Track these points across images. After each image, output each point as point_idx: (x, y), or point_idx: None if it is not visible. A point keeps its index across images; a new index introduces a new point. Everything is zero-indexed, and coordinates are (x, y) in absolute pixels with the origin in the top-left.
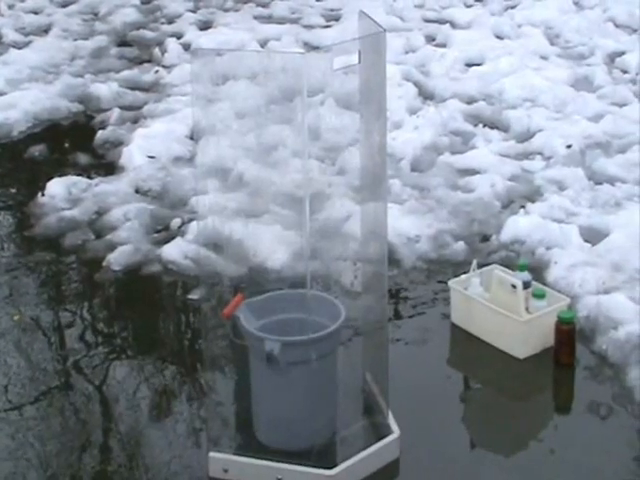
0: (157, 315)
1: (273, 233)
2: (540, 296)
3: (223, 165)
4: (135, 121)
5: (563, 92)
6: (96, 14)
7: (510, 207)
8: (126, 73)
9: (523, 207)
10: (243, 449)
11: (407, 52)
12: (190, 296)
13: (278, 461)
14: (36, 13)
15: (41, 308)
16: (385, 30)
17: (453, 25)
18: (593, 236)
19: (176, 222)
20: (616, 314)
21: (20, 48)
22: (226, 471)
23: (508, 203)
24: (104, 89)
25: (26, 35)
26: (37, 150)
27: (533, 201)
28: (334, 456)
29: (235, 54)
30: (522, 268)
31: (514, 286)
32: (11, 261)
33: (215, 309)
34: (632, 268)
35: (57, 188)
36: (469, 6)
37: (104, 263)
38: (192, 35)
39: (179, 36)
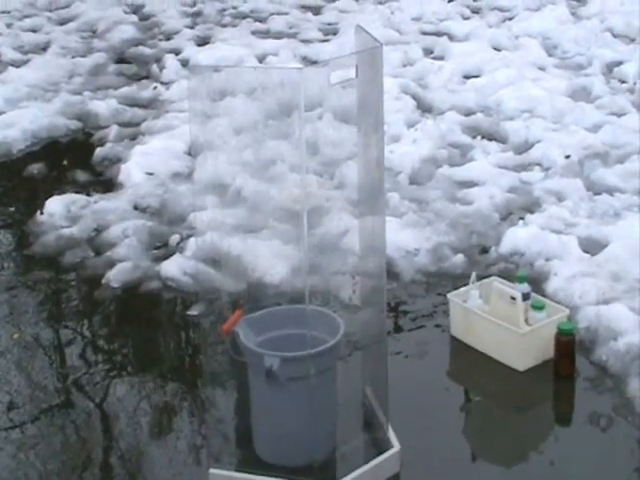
0: (157, 332)
1: (271, 248)
2: (539, 308)
3: (221, 181)
4: (133, 138)
5: (561, 103)
6: (94, 31)
7: (509, 219)
8: (124, 90)
9: (522, 218)
10: (243, 465)
11: (405, 65)
12: (189, 312)
13: (278, 477)
14: (34, 31)
15: (41, 326)
16: (382, 44)
17: (450, 37)
18: (592, 247)
19: (175, 238)
20: (616, 325)
21: (18, 66)
22: None
23: (507, 215)
24: (102, 106)
25: (25, 53)
26: (36, 168)
27: (532, 212)
28: (334, 471)
29: (232, 70)
30: (521, 280)
31: (513, 298)
32: (10, 279)
33: (214, 325)
34: (632, 278)
35: (56, 206)
36: (466, 18)
37: (103, 280)
38: (190, 51)
39: (177, 52)
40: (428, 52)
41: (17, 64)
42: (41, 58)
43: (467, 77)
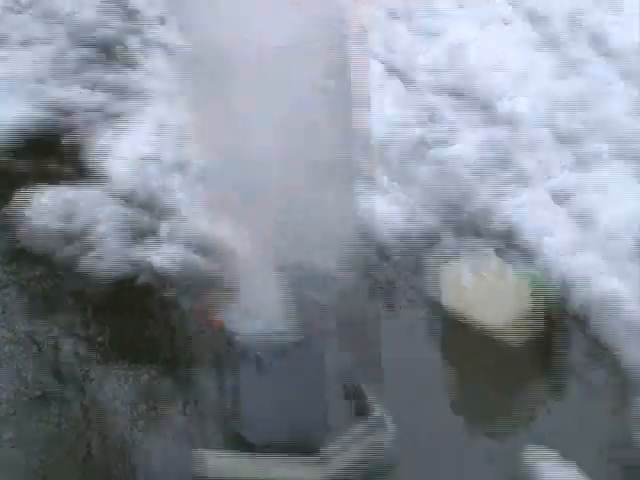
0: (147, 321)
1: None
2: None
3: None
4: (103, 123)
5: (527, 55)
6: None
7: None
8: (89, 74)
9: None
10: (229, 447)
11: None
12: (179, 300)
13: (265, 458)
14: None
15: (32, 323)
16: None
17: None
18: (562, 197)
19: (163, 227)
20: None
21: None
22: (212, 469)
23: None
24: (69, 93)
25: None
26: (12, 164)
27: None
28: (324, 451)
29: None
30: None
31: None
32: None
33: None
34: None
35: (38, 201)
36: None
37: (92, 274)
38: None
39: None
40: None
41: None
42: (3, 51)
43: (432, 35)
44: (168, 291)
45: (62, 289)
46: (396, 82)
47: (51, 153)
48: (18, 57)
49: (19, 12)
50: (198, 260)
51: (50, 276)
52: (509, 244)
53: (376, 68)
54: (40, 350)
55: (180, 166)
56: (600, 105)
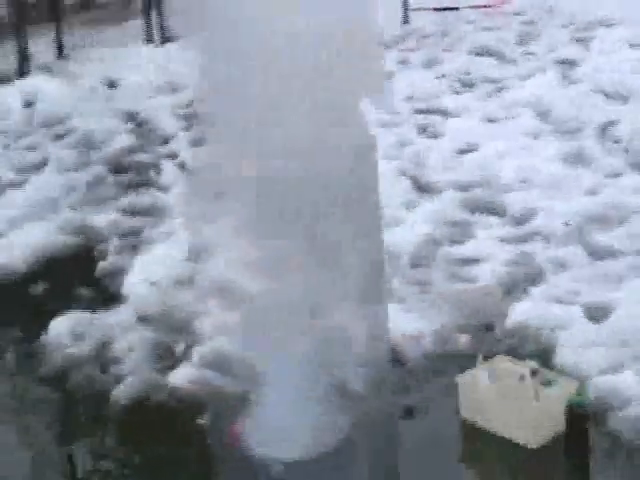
0: (167, 443)
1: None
2: (549, 382)
3: (224, 283)
4: (134, 248)
5: (557, 169)
6: (90, 144)
7: (513, 293)
8: (123, 200)
9: (525, 291)
10: None
11: (400, 146)
12: (199, 420)
13: None
14: (31, 150)
15: (51, 446)
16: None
17: (444, 114)
18: (598, 314)
19: (180, 347)
20: (627, 393)
21: (17, 187)
22: None
23: (510, 289)
24: (101, 219)
25: (22, 173)
26: (38, 288)
27: (535, 284)
28: None
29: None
30: (529, 356)
31: (522, 376)
32: (18, 401)
33: (223, 432)
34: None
35: (60, 325)
36: (458, 93)
37: (111, 397)
38: (187, 154)
39: (174, 156)
40: (422, 130)
41: (15, 185)
42: (39, 177)
43: (463, 152)
44: (196, 414)
45: (89, 410)
46: (425, 197)
47: (83, 279)
48: (54, 183)
49: (56, 139)
50: (226, 382)
51: (76, 398)
52: (545, 363)
53: (406, 183)
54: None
55: (212, 290)
56: (635, 220)
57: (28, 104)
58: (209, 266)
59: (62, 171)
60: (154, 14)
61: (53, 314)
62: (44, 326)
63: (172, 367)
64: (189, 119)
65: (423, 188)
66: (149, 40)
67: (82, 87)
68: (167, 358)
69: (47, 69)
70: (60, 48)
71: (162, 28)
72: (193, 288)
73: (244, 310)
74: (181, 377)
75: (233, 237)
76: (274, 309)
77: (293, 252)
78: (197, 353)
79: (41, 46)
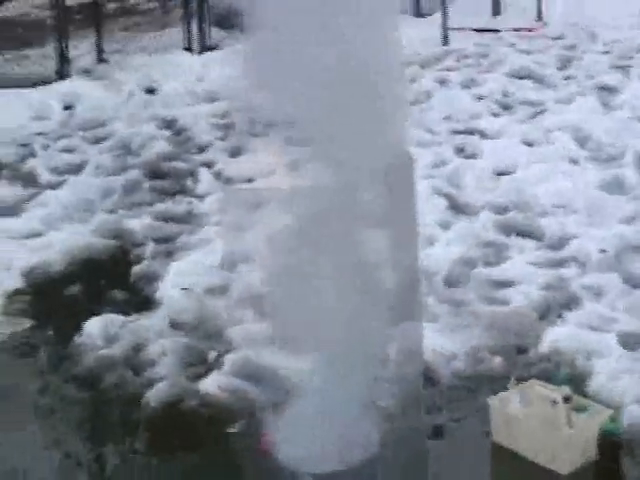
0: (197, 449)
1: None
2: (582, 409)
3: (258, 292)
4: (169, 254)
5: (595, 196)
6: (128, 148)
7: (547, 317)
8: (159, 206)
9: (560, 316)
10: None
11: (437, 166)
12: (229, 429)
13: None
14: (69, 152)
15: (82, 447)
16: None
17: (482, 135)
18: (633, 342)
19: (212, 355)
20: None
21: (54, 188)
22: None
23: (545, 313)
24: (137, 224)
25: (60, 174)
26: (74, 289)
27: (570, 309)
28: None
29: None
30: (562, 381)
31: (554, 401)
32: (51, 401)
33: (254, 442)
34: None
35: (94, 327)
36: (496, 115)
37: (142, 400)
38: (223, 163)
39: (210, 165)
40: (459, 151)
41: (53, 185)
42: (76, 178)
43: (500, 174)
44: (227, 423)
45: (118, 414)
46: (461, 219)
47: (118, 282)
48: (91, 185)
49: (94, 142)
50: (258, 392)
51: (106, 401)
52: (578, 389)
53: (441, 203)
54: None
55: (245, 299)
56: None
57: (67, 107)
58: (243, 275)
59: (99, 174)
60: (194, 22)
61: (87, 315)
62: (78, 327)
63: (204, 374)
64: (226, 129)
65: (459, 208)
66: (188, 48)
67: (121, 92)
68: (199, 365)
69: (87, 73)
70: (100, 52)
71: (202, 37)
72: (227, 296)
73: (277, 321)
74: (212, 384)
75: (267, 247)
76: (307, 323)
77: (327, 267)
78: (229, 361)
79: (82, 50)
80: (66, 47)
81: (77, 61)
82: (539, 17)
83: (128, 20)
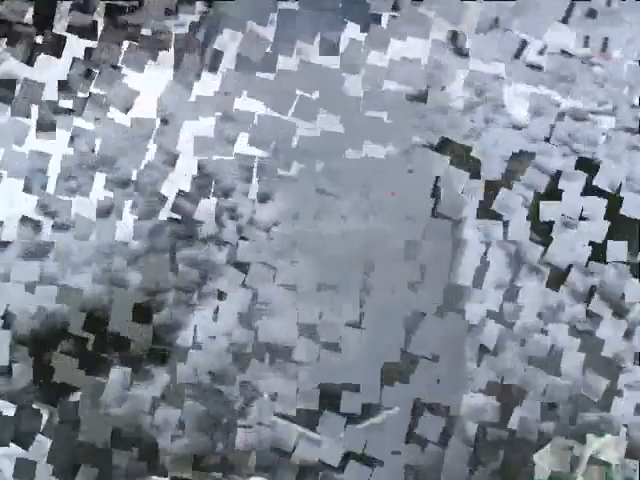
0: None
1: None
2: None
3: (280, 347)
4: (189, 304)
5: None
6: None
7: None
8: (182, 252)
9: None
10: None
11: None
12: None
13: None
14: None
15: None
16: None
17: None
18: None
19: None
20: None
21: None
22: None
23: None
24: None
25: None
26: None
27: None
28: None
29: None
30: None
31: None
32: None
33: None
34: None
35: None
36: None
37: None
38: (248, 208)
39: (234, 209)
40: None
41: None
42: (105, 221)
43: None
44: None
45: None
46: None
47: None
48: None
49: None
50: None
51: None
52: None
53: (478, 241)
54: None
55: (265, 353)
56: None
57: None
58: (265, 328)
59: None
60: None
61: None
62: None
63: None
64: (251, 171)
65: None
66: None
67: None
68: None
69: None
70: None
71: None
72: (246, 349)
73: (300, 378)
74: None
75: (291, 299)
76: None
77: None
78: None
79: None
80: None
81: None
82: None
83: None
